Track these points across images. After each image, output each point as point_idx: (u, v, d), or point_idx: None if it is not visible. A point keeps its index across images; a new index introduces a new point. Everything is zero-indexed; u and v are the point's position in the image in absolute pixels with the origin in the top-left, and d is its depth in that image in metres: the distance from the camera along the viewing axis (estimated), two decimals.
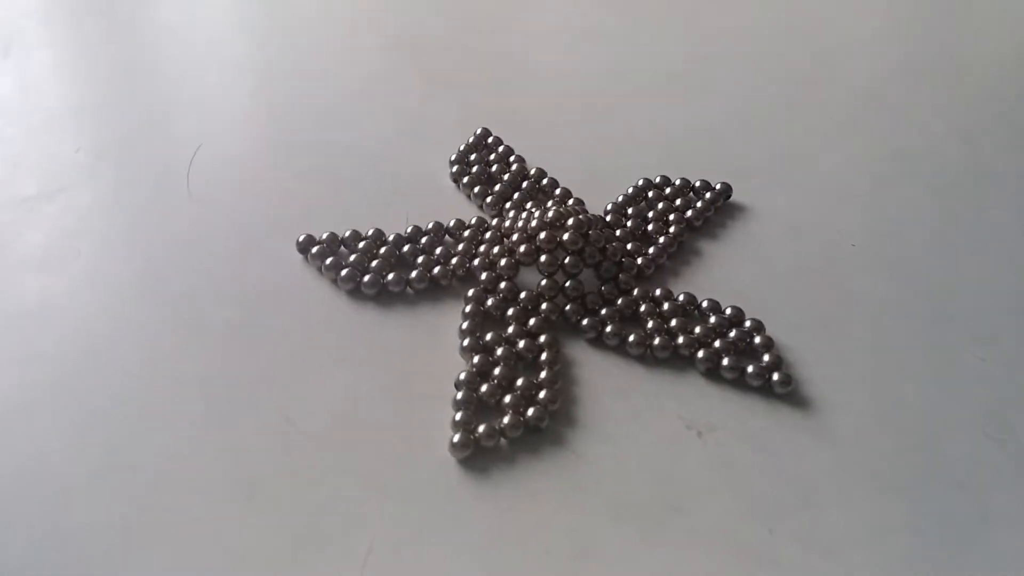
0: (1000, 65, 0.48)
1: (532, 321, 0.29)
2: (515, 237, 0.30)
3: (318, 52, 0.49)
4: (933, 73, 0.47)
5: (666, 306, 0.29)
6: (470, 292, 0.30)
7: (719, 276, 0.32)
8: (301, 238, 0.32)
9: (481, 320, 0.29)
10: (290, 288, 0.31)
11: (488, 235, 0.32)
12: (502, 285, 0.30)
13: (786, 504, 0.23)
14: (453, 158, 0.37)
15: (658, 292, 0.30)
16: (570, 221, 0.30)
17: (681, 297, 0.30)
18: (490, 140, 0.38)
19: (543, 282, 0.30)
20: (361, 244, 0.32)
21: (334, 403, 0.26)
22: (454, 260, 0.31)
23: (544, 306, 0.29)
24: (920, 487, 0.24)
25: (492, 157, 0.37)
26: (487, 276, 0.30)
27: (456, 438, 0.25)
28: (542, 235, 0.30)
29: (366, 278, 0.30)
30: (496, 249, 0.31)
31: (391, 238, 0.32)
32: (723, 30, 0.52)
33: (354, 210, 0.35)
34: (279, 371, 0.27)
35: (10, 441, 0.25)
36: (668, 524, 0.23)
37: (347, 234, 0.32)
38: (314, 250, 0.31)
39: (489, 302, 0.30)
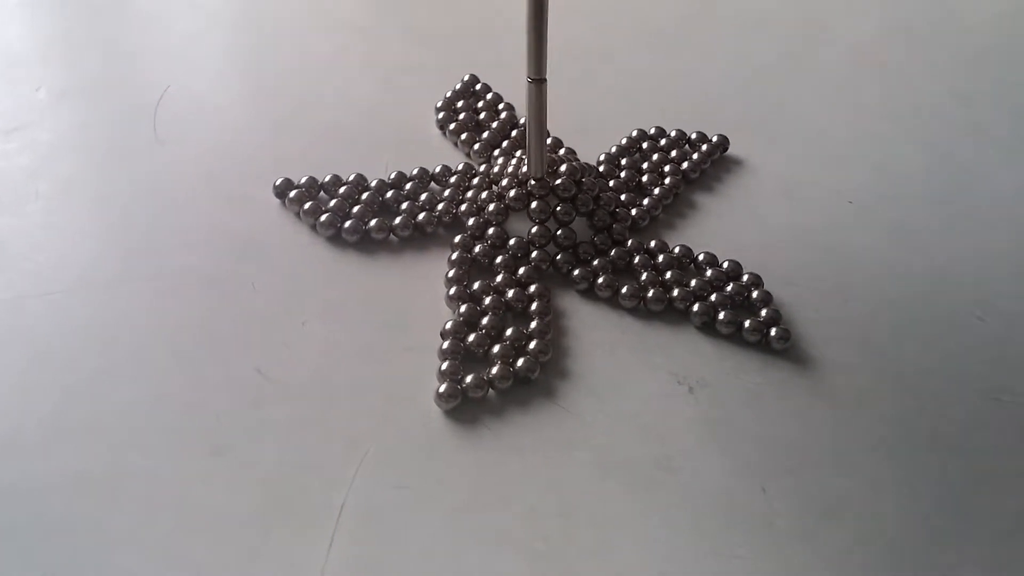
0: (998, 27, 0.47)
1: (522, 270, 0.27)
2: (504, 183, 0.29)
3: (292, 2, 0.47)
4: (931, 34, 0.46)
5: (661, 258, 0.28)
6: (456, 239, 0.29)
7: (715, 230, 0.31)
8: (278, 181, 0.30)
9: (468, 268, 0.28)
10: (265, 235, 0.29)
11: (476, 181, 0.30)
12: (490, 231, 0.29)
13: (780, 463, 0.22)
14: (439, 105, 0.35)
15: (653, 244, 0.29)
16: (563, 167, 0.29)
17: (677, 250, 0.28)
18: (478, 87, 0.36)
19: (533, 229, 0.28)
20: (342, 189, 0.30)
21: (310, 355, 0.25)
22: (440, 206, 0.30)
23: (534, 254, 0.28)
24: (917, 448, 0.23)
25: (480, 104, 0.35)
26: (474, 222, 0.29)
27: (442, 388, 0.23)
28: (533, 182, 0.28)
29: (347, 224, 0.29)
30: (484, 195, 0.29)
31: (373, 184, 0.31)
32: None
33: (334, 157, 0.33)
34: (252, 321, 0.26)
35: None
36: (657, 482, 0.22)
37: (327, 179, 0.31)
38: (292, 194, 0.30)
39: (477, 249, 0.28)
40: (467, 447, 0.23)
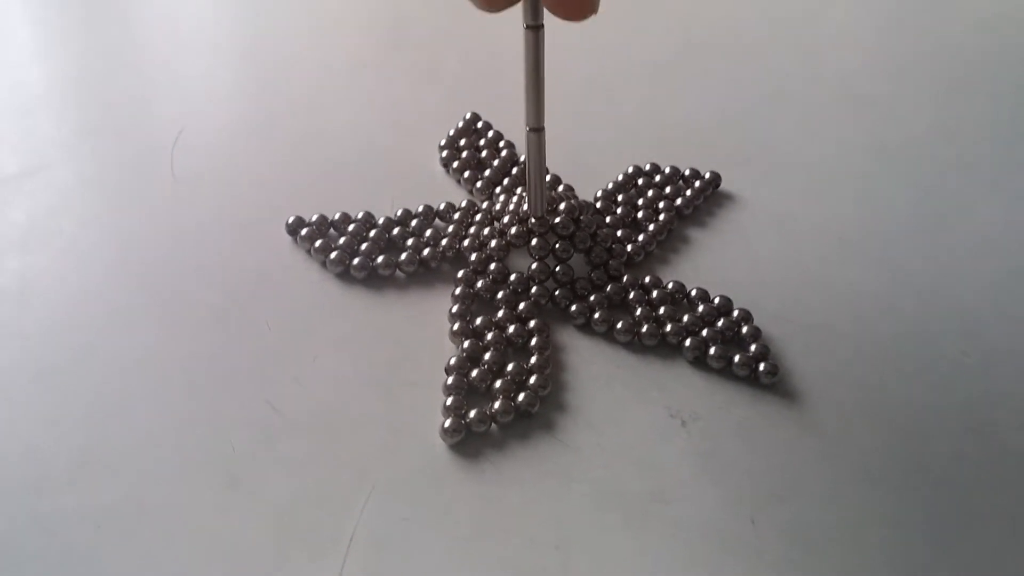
0: (983, 60, 0.48)
1: (522, 305, 0.29)
2: (506, 219, 0.30)
3: (304, 34, 0.48)
4: (918, 67, 0.47)
5: (655, 294, 0.29)
6: (460, 273, 0.30)
7: (707, 265, 0.32)
8: (291, 219, 0.32)
9: (471, 303, 0.29)
10: (277, 271, 0.31)
11: (478, 217, 0.32)
12: (492, 267, 0.30)
13: (769, 495, 0.24)
14: (442, 143, 0.37)
15: (647, 279, 0.30)
16: (562, 205, 0.30)
17: (670, 285, 0.30)
18: (479, 125, 0.37)
19: (533, 266, 0.29)
20: (351, 227, 0.32)
21: (320, 389, 0.26)
22: (443, 241, 0.31)
23: (534, 290, 0.29)
24: (902, 481, 0.24)
25: (482, 143, 0.37)
26: (477, 257, 0.30)
27: (447, 423, 0.24)
28: (533, 220, 0.30)
29: (355, 261, 0.30)
30: (486, 231, 0.31)
31: (380, 221, 0.32)
32: (713, 22, 0.52)
33: (342, 194, 0.34)
34: (264, 356, 0.27)
35: None
36: (651, 514, 0.23)
37: (336, 217, 0.32)
38: (303, 232, 0.31)
39: (479, 284, 0.29)
40: (470, 479, 0.24)
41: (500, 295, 0.29)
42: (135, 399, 0.26)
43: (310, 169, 0.36)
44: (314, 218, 0.32)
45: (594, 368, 0.27)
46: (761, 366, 0.26)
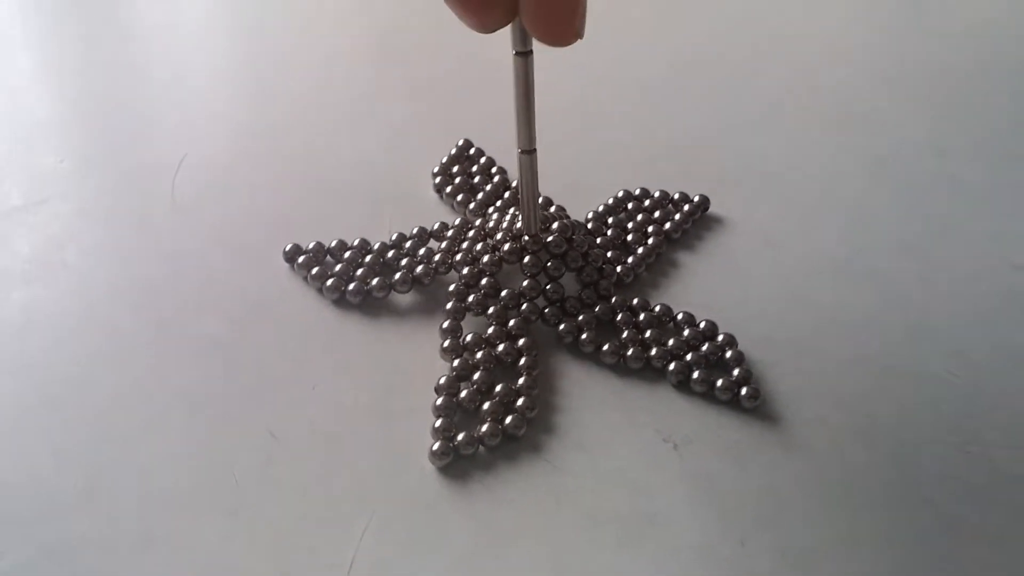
0: (974, 75, 0.49)
1: (512, 322, 0.29)
2: (499, 236, 0.31)
3: (303, 62, 0.49)
4: (908, 84, 0.48)
5: (642, 316, 0.30)
6: (451, 287, 0.30)
7: (696, 288, 0.32)
8: (288, 247, 0.32)
9: (462, 317, 0.30)
10: (276, 299, 0.31)
11: (471, 233, 0.32)
12: (484, 281, 0.30)
13: (758, 517, 0.24)
14: (436, 170, 0.37)
15: (635, 301, 0.30)
16: (555, 225, 0.30)
17: (657, 308, 0.30)
18: (472, 151, 0.38)
19: (525, 283, 0.30)
20: (347, 254, 0.32)
21: (320, 416, 0.27)
22: (436, 256, 0.32)
23: (524, 307, 0.30)
24: (891, 501, 0.25)
25: (474, 168, 0.37)
26: (469, 271, 0.30)
27: (436, 446, 0.25)
28: (526, 238, 0.30)
29: (351, 286, 0.31)
30: (479, 246, 0.31)
31: (376, 247, 0.33)
32: (701, 43, 0.53)
33: (340, 220, 0.35)
34: (264, 384, 0.28)
35: None
36: (643, 536, 0.23)
37: (333, 244, 0.33)
38: (300, 259, 0.32)
39: (470, 298, 0.30)
40: (466, 505, 0.24)
41: (491, 310, 0.29)
42: (137, 428, 0.26)
43: (308, 195, 0.37)
44: (311, 246, 0.32)
45: (585, 391, 0.28)
46: (743, 390, 0.27)
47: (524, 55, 0.26)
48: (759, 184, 0.38)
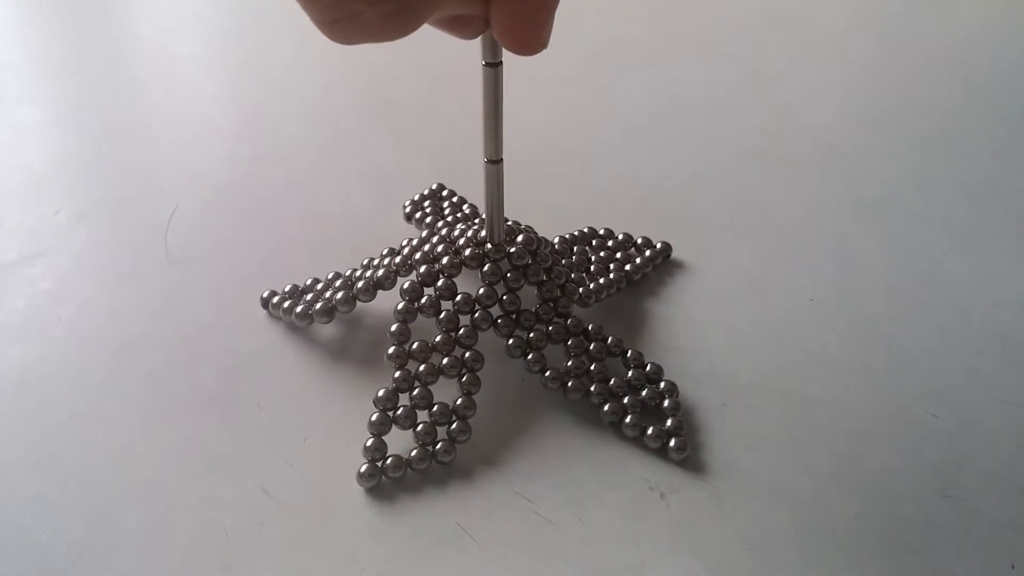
0: (954, 112, 0.50)
1: (462, 330, 0.29)
2: (462, 242, 0.30)
3: (291, 112, 0.50)
4: (888, 122, 0.49)
5: (592, 346, 0.30)
6: (405, 285, 0.29)
7: (666, 330, 0.33)
8: (264, 294, 0.33)
9: (413, 319, 0.29)
10: (268, 352, 0.32)
11: (435, 239, 0.31)
12: (440, 283, 0.29)
13: (745, 567, 0.24)
14: (407, 203, 0.38)
15: (590, 327, 0.30)
16: (520, 237, 0.30)
17: (610, 340, 0.30)
18: (444, 192, 0.39)
19: (481, 290, 0.29)
20: (319, 285, 0.33)
21: (311, 471, 0.27)
22: (397, 259, 0.31)
23: (477, 314, 0.29)
24: (875, 549, 0.25)
25: (445, 205, 0.38)
26: (427, 269, 0.30)
27: (363, 468, 0.26)
28: (489, 246, 0.30)
29: (317, 306, 0.31)
30: (441, 247, 0.30)
31: (347, 272, 0.33)
32: (682, 84, 0.54)
33: (325, 266, 0.35)
34: (256, 439, 0.28)
35: None
36: None
37: (308, 282, 0.33)
38: (274, 300, 0.33)
39: (423, 300, 0.29)
40: (457, 561, 0.24)
41: (442, 315, 0.29)
42: (131, 486, 0.26)
43: (296, 245, 0.37)
44: (287, 288, 0.33)
45: (575, 441, 0.28)
46: (672, 441, 0.27)
47: (494, 66, 0.27)
48: (741, 222, 0.39)
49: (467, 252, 0.30)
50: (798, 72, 0.56)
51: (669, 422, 0.28)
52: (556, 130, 0.48)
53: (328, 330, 0.32)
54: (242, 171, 0.44)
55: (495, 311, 0.30)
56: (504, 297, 0.29)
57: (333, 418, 0.29)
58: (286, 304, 0.32)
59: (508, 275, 0.30)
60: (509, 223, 0.31)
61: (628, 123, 0.49)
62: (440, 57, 0.55)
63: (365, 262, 0.33)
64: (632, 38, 0.62)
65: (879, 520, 0.26)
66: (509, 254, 0.30)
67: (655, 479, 0.27)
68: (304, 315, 0.31)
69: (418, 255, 0.30)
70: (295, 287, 0.33)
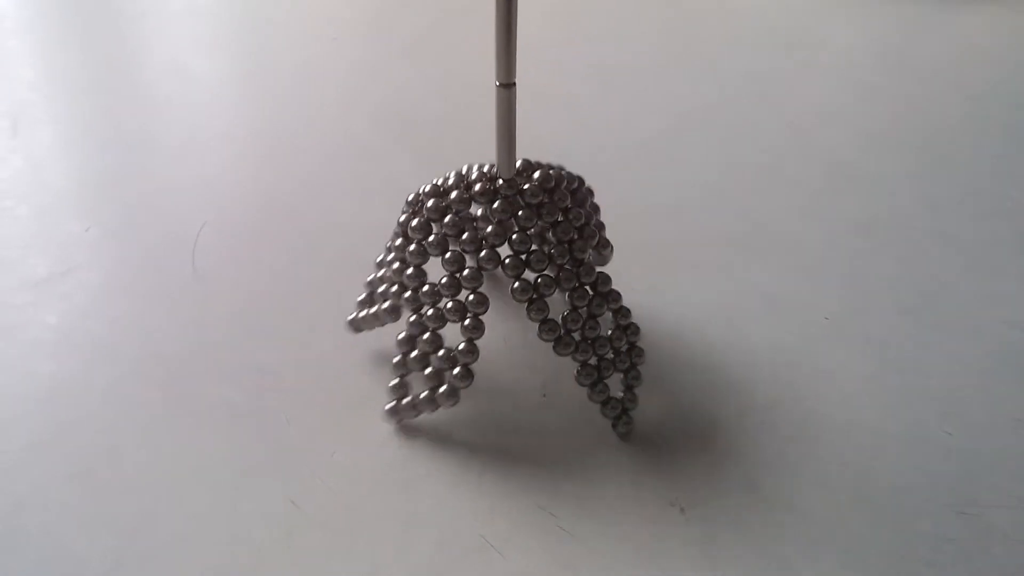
0: (962, 131, 0.51)
1: (467, 272, 0.27)
2: (473, 177, 0.29)
3: (310, 129, 0.51)
4: (897, 141, 0.50)
5: (600, 312, 0.29)
6: (414, 222, 0.28)
7: (683, 343, 0.33)
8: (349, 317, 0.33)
9: (425, 260, 0.28)
10: (294, 367, 0.32)
11: (452, 180, 0.30)
12: (447, 219, 0.28)
13: None
14: (410, 198, 0.38)
15: (604, 287, 0.29)
16: (536, 173, 0.28)
17: (619, 306, 0.29)
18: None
19: (489, 228, 0.28)
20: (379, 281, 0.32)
21: (339, 484, 0.28)
22: (409, 196, 0.30)
23: (483, 253, 0.27)
24: (890, 564, 0.25)
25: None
26: (434, 204, 0.28)
27: (388, 406, 0.28)
28: (500, 181, 0.28)
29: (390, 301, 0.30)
30: (452, 180, 0.29)
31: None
32: (693, 104, 0.54)
33: (348, 280, 0.36)
34: (285, 453, 0.29)
35: (25, 529, 0.26)
36: None
37: (369, 279, 0.33)
38: (360, 314, 0.32)
39: (431, 238, 0.28)
40: (482, 571, 0.25)
41: (448, 255, 0.28)
42: (163, 498, 0.27)
43: (318, 259, 0.38)
44: (362, 296, 0.33)
45: (596, 458, 0.29)
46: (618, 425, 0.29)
47: (507, 87, 0.27)
48: (758, 241, 0.40)
49: (476, 187, 0.28)
50: (808, 93, 0.57)
51: (622, 394, 0.29)
52: (569, 147, 0.48)
53: (355, 347, 0.33)
54: (264, 187, 0.45)
55: (505, 252, 0.28)
56: (514, 236, 0.28)
57: (359, 432, 0.30)
58: (372, 310, 0.31)
59: (520, 213, 0.28)
60: (531, 161, 0.29)
61: (640, 141, 0.49)
62: (456, 78, 0.56)
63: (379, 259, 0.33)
64: (645, 59, 0.63)
65: (895, 536, 0.26)
66: (522, 190, 0.28)
67: (675, 495, 0.27)
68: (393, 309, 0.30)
69: (427, 187, 0.29)
70: (368, 286, 0.32)
